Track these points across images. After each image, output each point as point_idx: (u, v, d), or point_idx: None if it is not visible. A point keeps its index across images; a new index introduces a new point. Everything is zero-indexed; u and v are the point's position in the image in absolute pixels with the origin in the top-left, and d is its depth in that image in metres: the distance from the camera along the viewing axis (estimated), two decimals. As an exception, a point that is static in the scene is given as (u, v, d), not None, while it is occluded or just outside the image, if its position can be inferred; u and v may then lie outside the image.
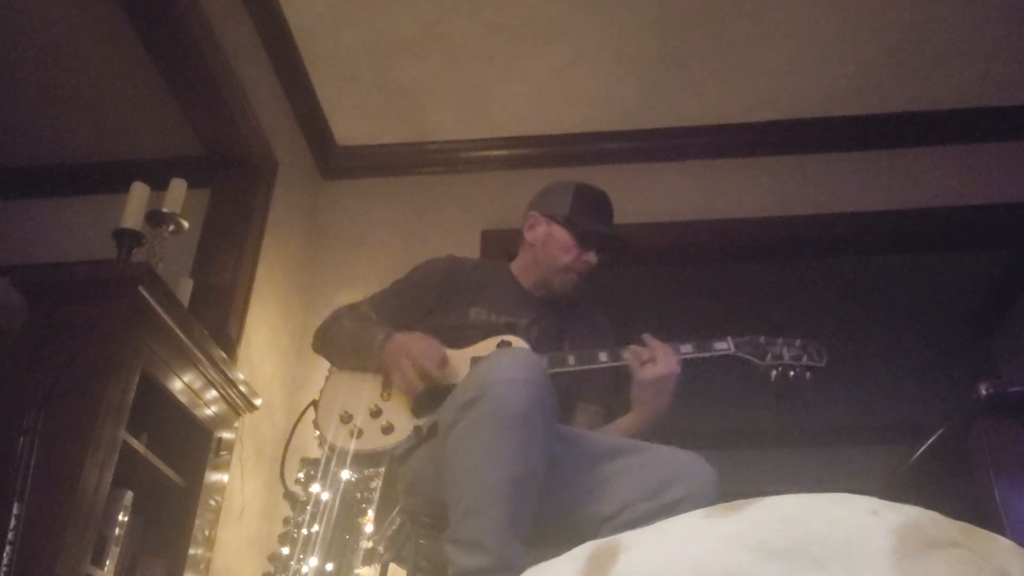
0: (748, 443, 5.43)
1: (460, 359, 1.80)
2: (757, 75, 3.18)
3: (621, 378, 1.84)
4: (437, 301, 1.93)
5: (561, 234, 1.93)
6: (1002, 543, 0.83)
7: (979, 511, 1.57)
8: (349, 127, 3.48)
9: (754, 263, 3.83)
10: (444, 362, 1.76)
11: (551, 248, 1.94)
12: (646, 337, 1.77)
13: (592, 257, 1.92)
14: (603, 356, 1.78)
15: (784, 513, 0.89)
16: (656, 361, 1.72)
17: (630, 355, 1.76)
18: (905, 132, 3.30)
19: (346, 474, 2.33)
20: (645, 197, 3.25)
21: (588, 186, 2.01)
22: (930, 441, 1.76)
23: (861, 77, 3.17)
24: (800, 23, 2.99)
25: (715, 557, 0.87)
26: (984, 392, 1.54)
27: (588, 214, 1.94)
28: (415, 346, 1.77)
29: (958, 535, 0.83)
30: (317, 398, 1.86)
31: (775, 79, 3.19)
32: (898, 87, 3.21)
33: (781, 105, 3.29)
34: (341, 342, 1.90)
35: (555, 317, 1.97)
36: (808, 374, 1.78)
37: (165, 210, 2.49)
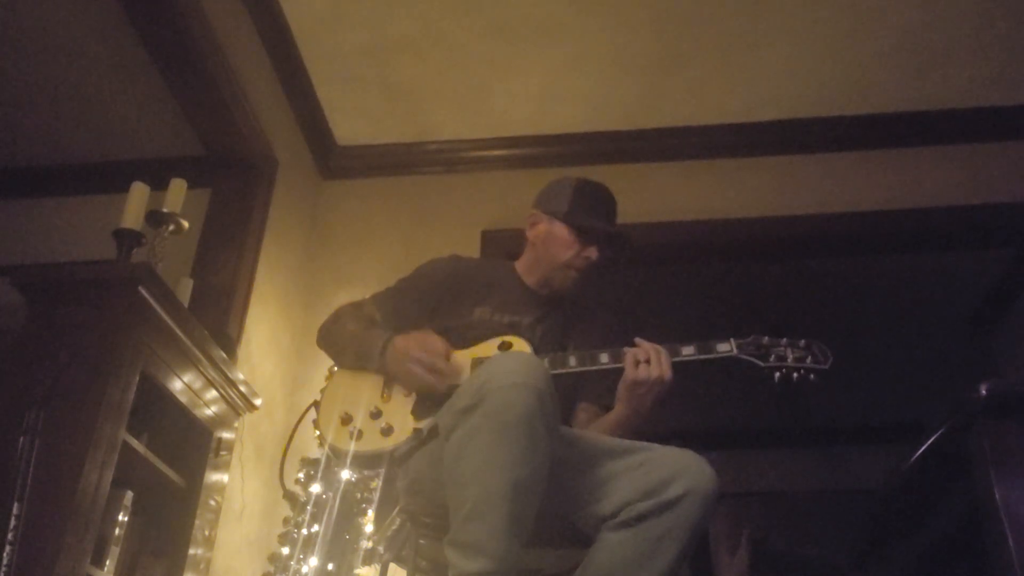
0: (748, 443, 5.43)
1: (463, 359, 1.80)
2: (757, 75, 3.18)
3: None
4: (441, 300, 1.93)
5: (561, 231, 1.93)
6: None
7: (979, 511, 1.57)
8: (349, 127, 3.48)
9: (754, 263, 3.83)
10: (448, 354, 1.76)
11: (552, 245, 1.94)
12: (638, 340, 1.76)
13: (593, 253, 1.91)
14: (604, 357, 1.77)
15: None
16: (650, 363, 1.71)
17: (628, 354, 1.74)
18: (905, 132, 3.29)
19: (346, 474, 2.33)
20: (645, 197, 3.25)
21: (589, 182, 2.00)
22: (930, 441, 1.76)
23: (861, 77, 3.17)
24: (800, 23, 2.99)
25: None
26: (984, 392, 1.54)
27: (588, 210, 1.93)
28: (415, 346, 1.77)
29: None
30: (319, 398, 1.86)
31: (775, 79, 3.19)
32: (898, 87, 3.21)
33: (781, 105, 3.29)
34: (342, 343, 1.90)
35: (559, 316, 1.97)
36: (812, 376, 1.76)
37: (165, 210, 2.49)
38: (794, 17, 2.97)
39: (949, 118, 3.26)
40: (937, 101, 3.24)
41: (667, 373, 1.70)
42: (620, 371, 1.76)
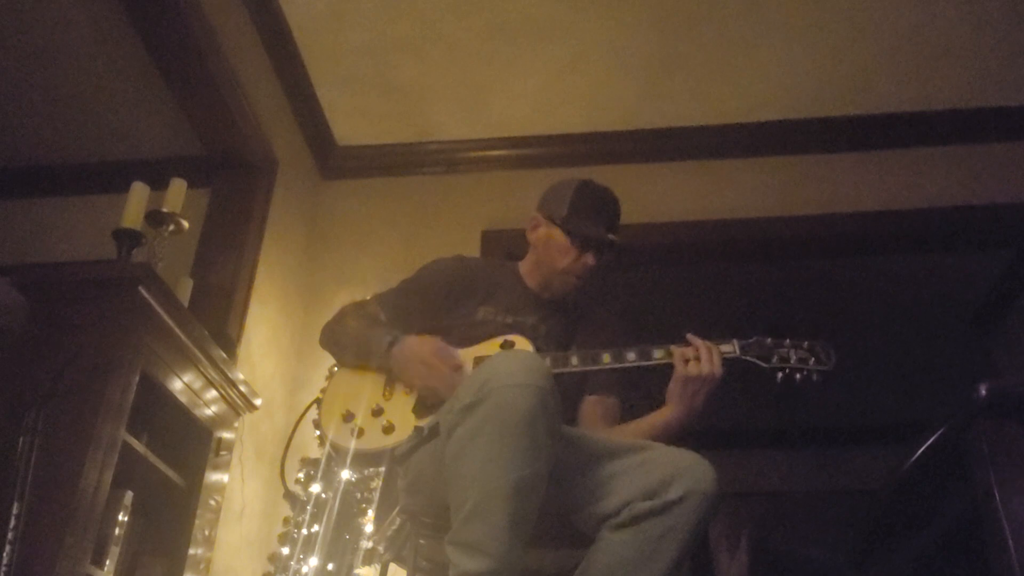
0: (748, 443, 5.43)
1: (465, 359, 1.80)
2: (757, 75, 3.18)
3: (632, 374, 1.83)
4: (445, 301, 1.92)
5: (558, 237, 1.92)
6: None
7: (979, 511, 1.57)
8: (349, 127, 3.48)
9: (754, 263, 3.83)
10: (459, 368, 1.75)
11: (550, 251, 1.93)
12: (690, 336, 1.76)
13: (590, 259, 1.90)
14: (606, 357, 1.77)
15: None
16: (700, 360, 1.71)
17: (676, 352, 1.74)
18: (905, 132, 3.29)
19: (346, 474, 2.33)
20: (645, 197, 3.25)
21: (590, 185, 1.98)
22: (930, 441, 1.76)
23: (861, 77, 3.17)
24: (799, 23, 2.99)
25: None
26: (984, 392, 1.54)
27: (586, 215, 1.91)
28: (430, 351, 1.76)
29: None
30: (320, 396, 1.86)
31: (775, 79, 3.19)
32: (898, 87, 3.21)
33: (781, 105, 3.29)
34: (345, 341, 1.90)
35: (563, 317, 1.96)
36: (815, 376, 1.76)
37: (165, 210, 2.49)
38: (794, 17, 2.97)
39: (949, 118, 3.26)
40: (937, 101, 3.24)
41: (717, 370, 1.71)
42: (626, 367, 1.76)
